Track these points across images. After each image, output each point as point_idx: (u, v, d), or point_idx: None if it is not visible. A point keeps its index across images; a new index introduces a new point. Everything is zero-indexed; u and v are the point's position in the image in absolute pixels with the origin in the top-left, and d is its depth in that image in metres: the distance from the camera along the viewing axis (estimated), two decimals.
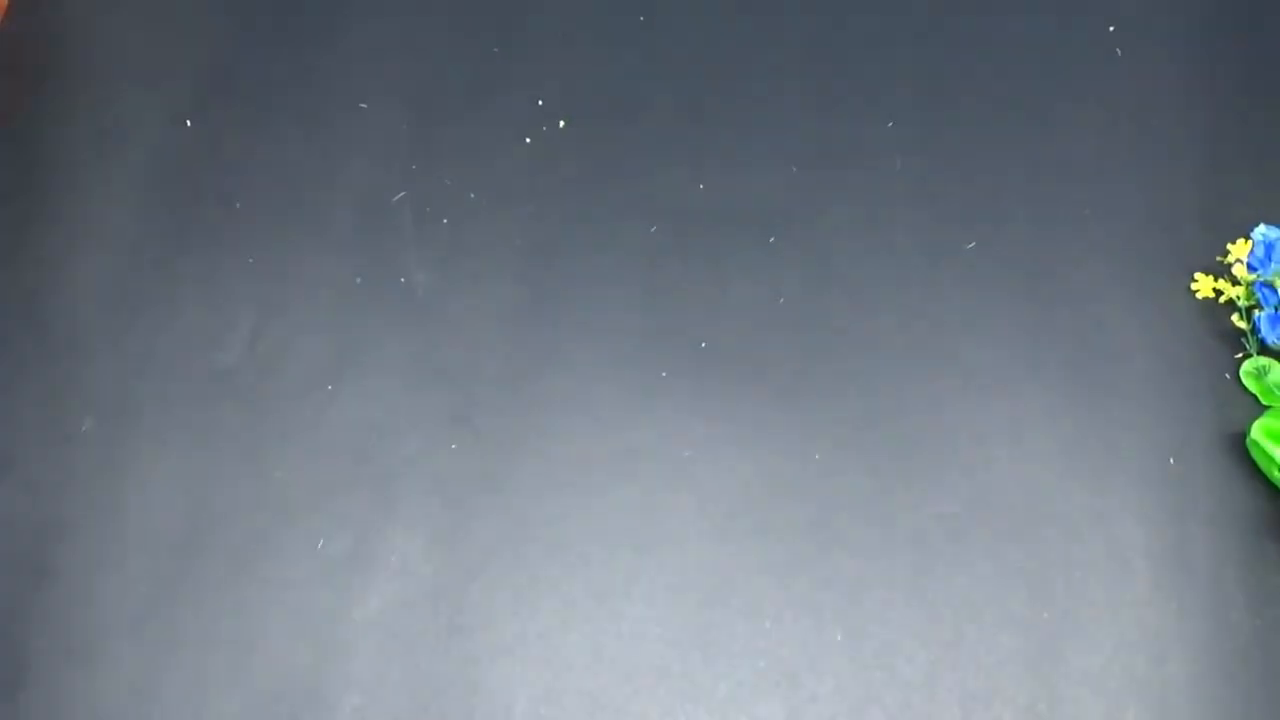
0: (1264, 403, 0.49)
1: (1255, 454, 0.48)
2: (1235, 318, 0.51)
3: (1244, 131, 0.52)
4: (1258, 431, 0.47)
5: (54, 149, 0.56)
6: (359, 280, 0.52)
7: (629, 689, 0.46)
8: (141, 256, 0.54)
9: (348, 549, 0.48)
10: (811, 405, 0.48)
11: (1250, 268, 0.51)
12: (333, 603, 0.46)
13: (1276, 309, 0.49)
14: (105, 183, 0.54)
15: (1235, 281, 0.51)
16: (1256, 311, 0.50)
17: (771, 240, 0.53)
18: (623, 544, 0.48)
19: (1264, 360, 0.50)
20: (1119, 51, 0.57)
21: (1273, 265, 0.50)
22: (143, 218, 0.54)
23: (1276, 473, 0.47)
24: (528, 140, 0.57)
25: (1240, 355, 0.51)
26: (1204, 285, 0.51)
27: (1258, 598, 0.47)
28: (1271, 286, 0.50)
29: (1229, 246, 0.51)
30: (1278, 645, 0.42)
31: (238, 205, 0.55)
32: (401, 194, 0.54)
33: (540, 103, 0.57)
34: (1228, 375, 0.51)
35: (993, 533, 0.47)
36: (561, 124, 0.57)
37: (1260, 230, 0.51)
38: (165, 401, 0.50)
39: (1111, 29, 0.57)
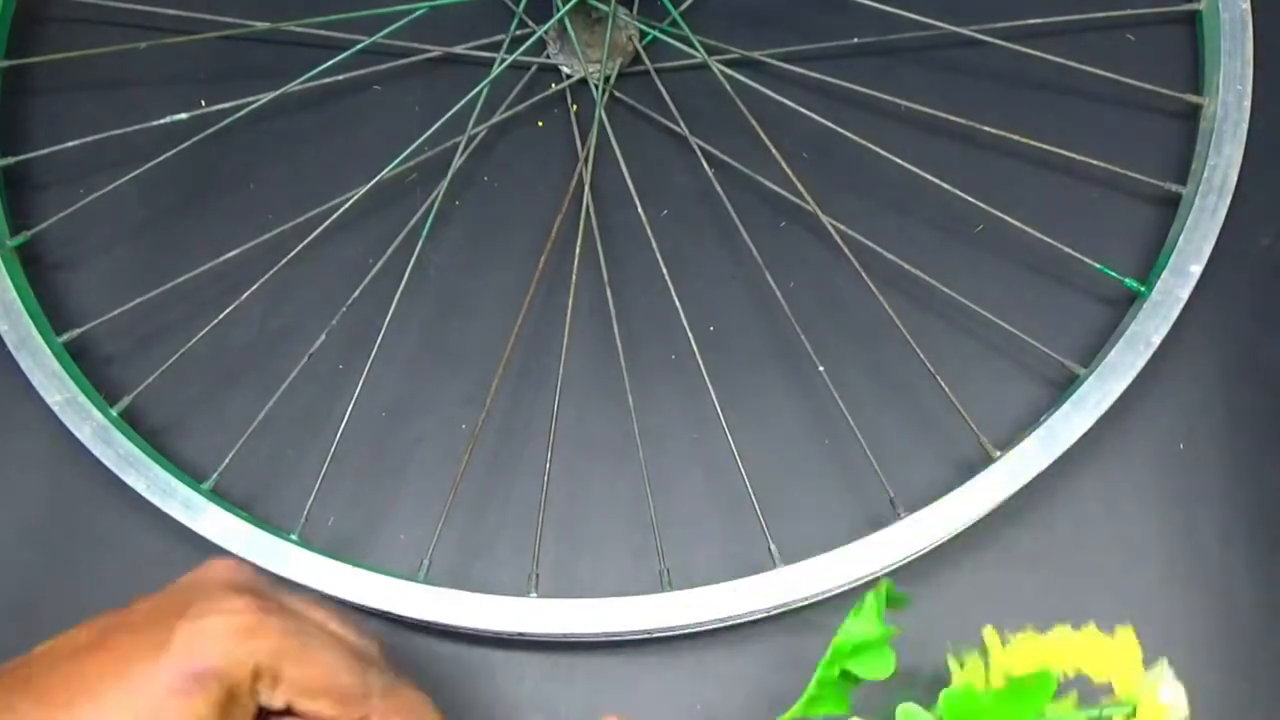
0: None
1: None
2: None
3: (1257, 116, 0.52)
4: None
5: (64, 125, 0.57)
6: (370, 260, 0.53)
7: (637, 669, 0.48)
8: (152, 235, 0.56)
9: (357, 527, 0.50)
10: (820, 388, 0.49)
11: None
12: None
13: None
14: (117, 160, 0.55)
15: None
16: None
17: (782, 224, 0.54)
18: (633, 525, 0.49)
19: None
20: (1131, 37, 0.56)
21: None
22: (154, 196, 0.56)
23: None
24: (540, 124, 0.58)
25: None
26: None
27: (1266, 583, 0.48)
28: None
29: None
30: None
31: (251, 186, 0.56)
32: (414, 175, 0.55)
33: (553, 85, 0.57)
34: (1238, 361, 0.51)
35: (1001, 517, 0.48)
36: (575, 107, 0.57)
37: None
38: (175, 381, 0.52)
39: (1126, 12, 0.56)
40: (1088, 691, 0.39)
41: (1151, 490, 0.49)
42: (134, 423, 0.51)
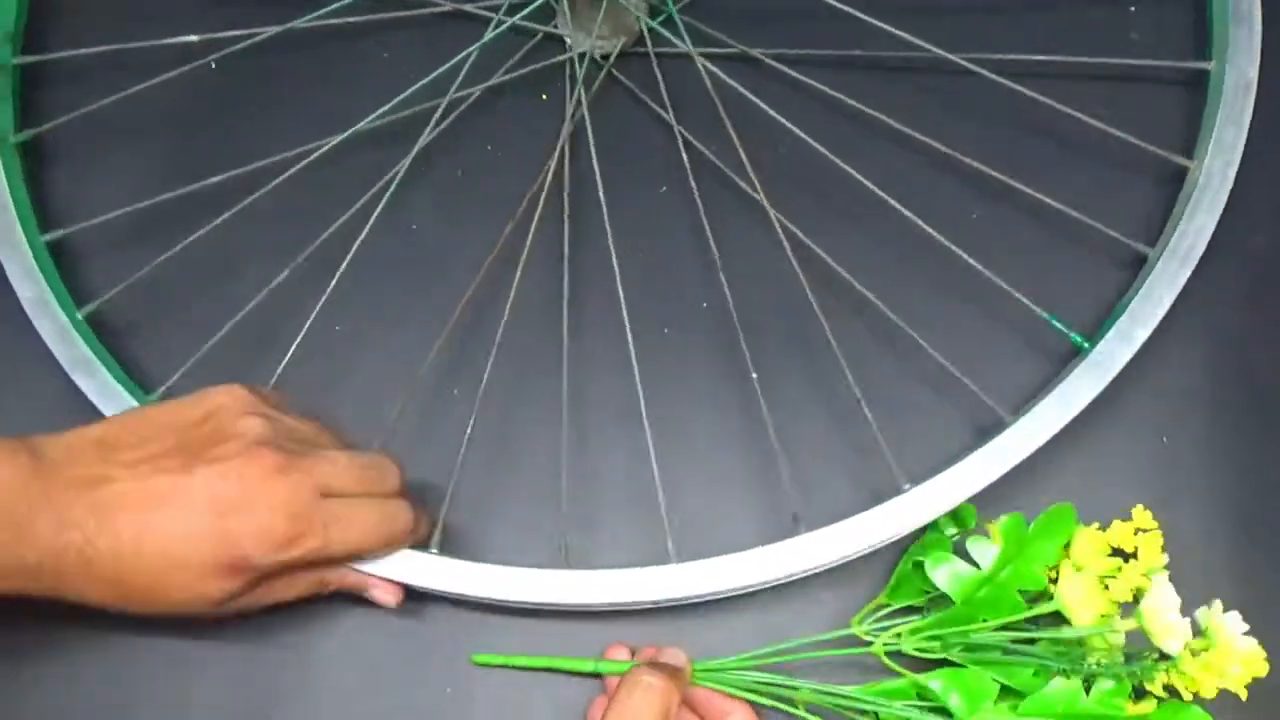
0: None
1: None
2: None
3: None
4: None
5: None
6: (368, 228, 0.53)
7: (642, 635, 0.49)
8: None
9: None
10: (811, 371, 0.51)
11: None
12: None
13: None
14: (122, 125, 0.57)
15: None
16: None
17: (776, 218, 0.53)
18: (619, 499, 0.51)
19: None
20: (1134, 36, 0.56)
21: None
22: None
23: None
24: (544, 96, 0.58)
25: None
26: None
27: (1244, 574, 0.49)
28: None
29: None
30: (1263, 621, 0.44)
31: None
32: (419, 146, 0.55)
33: (556, 56, 0.57)
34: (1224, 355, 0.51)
35: (995, 511, 0.48)
36: (579, 79, 0.57)
37: None
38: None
39: (1132, 9, 0.56)
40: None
41: (1134, 483, 0.50)
42: (103, 329, 0.53)
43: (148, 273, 0.53)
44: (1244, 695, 0.43)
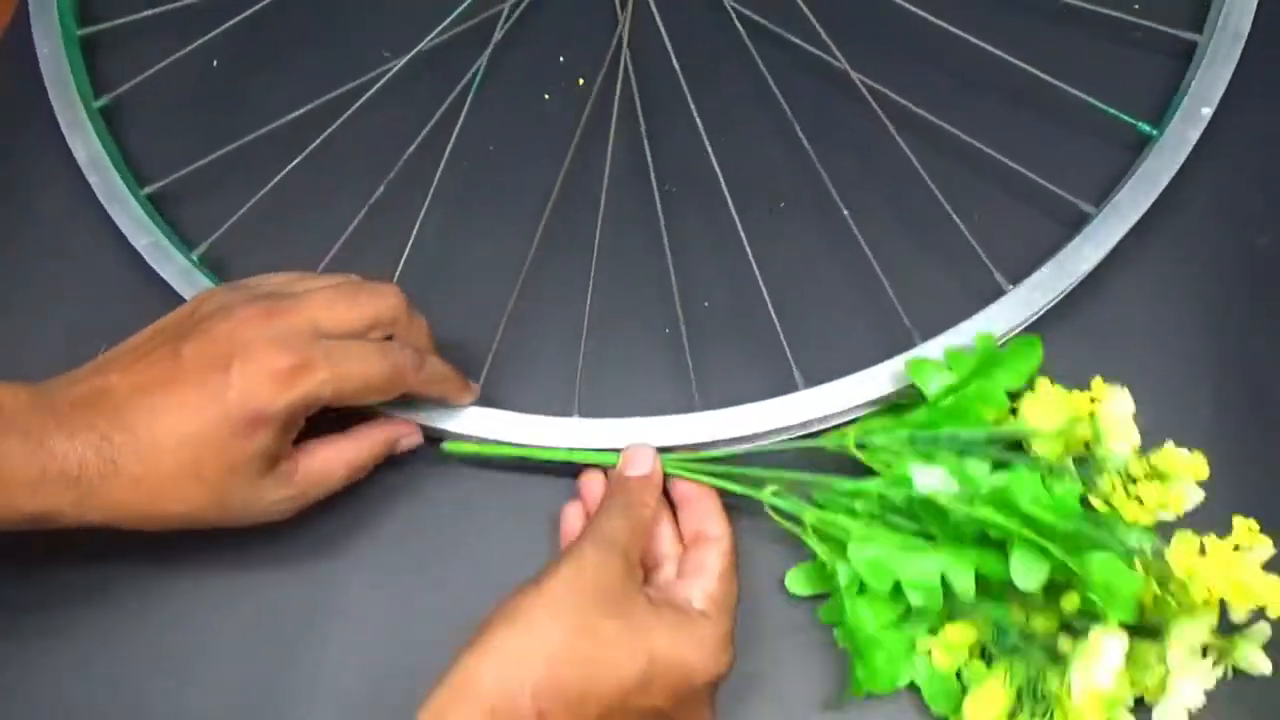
0: None
1: None
2: None
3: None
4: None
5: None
6: (371, 222, 0.55)
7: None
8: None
9: None
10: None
11: None
12: (332, 528, 0.49)
13: None
14: (128, 121, 0.59)
15: None
16: None
17: (782, 205, 0.56)
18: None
19: None
20: None
21: None
22: (163, 155, 0.58)
23: None
24: (546, 96, 0.60)
25: None
26: None
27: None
28: None
29: None
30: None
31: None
32: (419, 140, 0.56)
33: (561, 59, 0.60)
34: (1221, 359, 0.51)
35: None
36: (580, 81, 0.59)
37: None
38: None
39: None
40: None
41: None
42: (214, 266, 0.56)
43: (246, 210, 0.56)
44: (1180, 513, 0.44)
